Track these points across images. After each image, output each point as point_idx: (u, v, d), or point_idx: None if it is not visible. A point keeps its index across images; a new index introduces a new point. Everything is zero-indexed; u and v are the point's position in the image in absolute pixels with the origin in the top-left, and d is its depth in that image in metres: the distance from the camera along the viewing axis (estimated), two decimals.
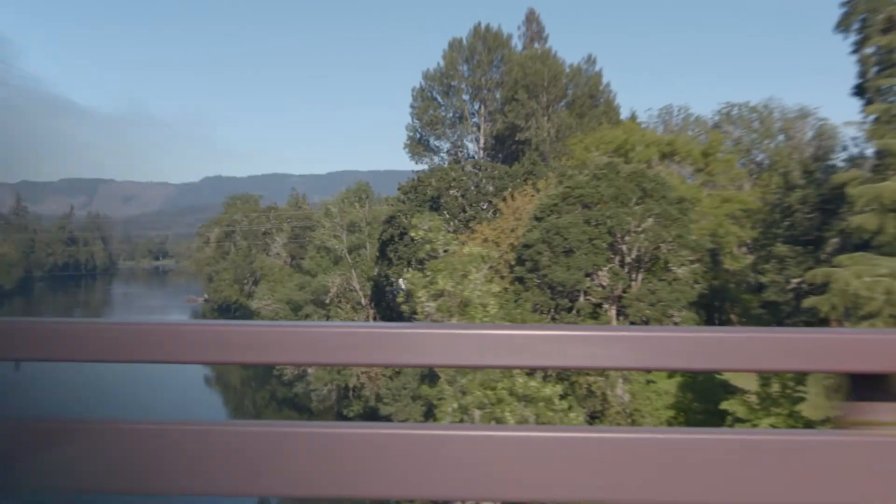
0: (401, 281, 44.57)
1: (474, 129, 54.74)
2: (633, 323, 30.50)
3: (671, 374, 29.34)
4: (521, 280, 31.17)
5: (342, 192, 48.76)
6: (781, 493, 1.22)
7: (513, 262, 32.28)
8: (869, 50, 28.04)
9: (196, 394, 54.52)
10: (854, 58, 29.32)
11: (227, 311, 79.58)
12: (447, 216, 41.89)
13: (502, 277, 31.50)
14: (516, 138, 50.89)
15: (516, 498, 1.26)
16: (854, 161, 29.73)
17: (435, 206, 43.31)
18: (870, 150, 29.23)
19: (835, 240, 25.12)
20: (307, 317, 47.95)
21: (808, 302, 19.98)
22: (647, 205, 31.09)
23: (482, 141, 54.85)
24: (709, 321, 36.02)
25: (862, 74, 28.77)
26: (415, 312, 25.77)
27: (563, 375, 26.21)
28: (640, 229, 30.93)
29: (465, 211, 43.81)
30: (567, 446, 1.23)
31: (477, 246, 29.90)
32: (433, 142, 54.35)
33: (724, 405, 24.54)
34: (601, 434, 1.27)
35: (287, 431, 1.27)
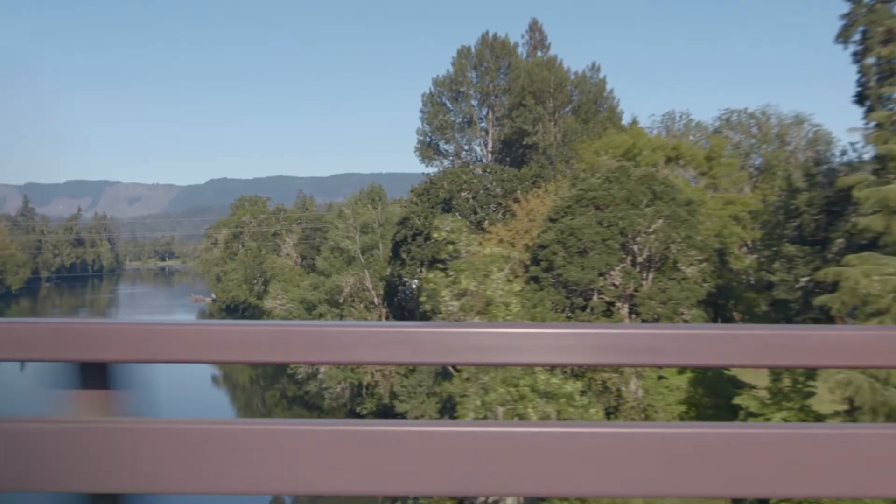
0: (414, 281, 45.87)
1: (482, 133, 56.02)
2: (644, 321, 31.70)
3: (682, 369, 30.57)
4: (535, 279, 32.31)
5: (355, 194, 49.98)
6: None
7: (527, 262, 33.46)
8: (870, 60, 29.38)
9: (203, 393, 55.41)
10: (853, 67, 30.78)
11: (236, 310, 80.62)
12: (459, 218, 43.04)
13: (517, 277, 32.64)
14: (523, 142, 52.17)
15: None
16: (852, 165, 30.97)
17: (447, 207, 44.36)
18: (867, 155, 30.66)
19: (840, 240, 26.40)
20: (321, 316, 48.95)
21: (819, 300, 21.19)
22: (658, 207, 32.32)
23: (490, 145, 56.12)
24: (716, 319, 37.33)
25: (861, 83, 30.15)
26: (437, 311, 26.77)
27: (577, 372, 27.05)
28: (650, 230, 32.13)
29: (475, 213, 44.94)
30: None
31: (492, 246, 31.00)
32: (442, 145, 55.66)
33: (737, 400, 25.67)
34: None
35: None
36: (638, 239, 32.41)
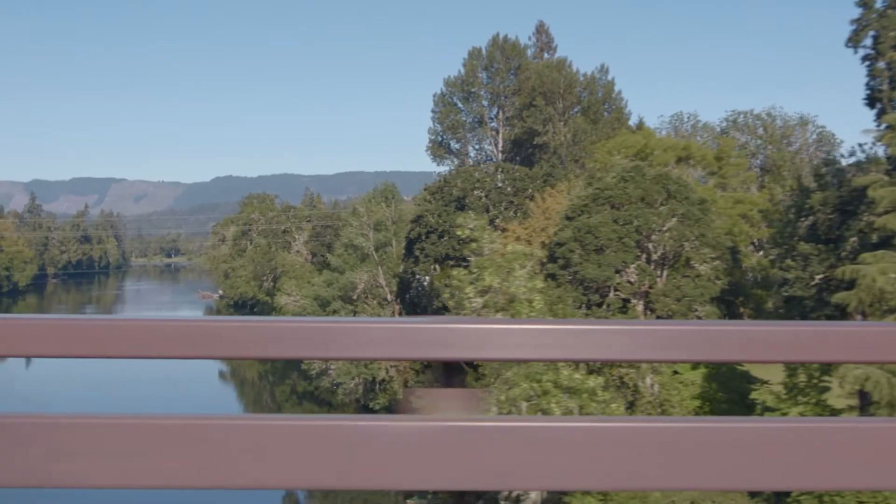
0: (426, 277, 46.64)
1: (493, 133, 56.83)
2: (659, 317, 32.46)
3: (695, 365, 31.27)
4: (553, 276, 33.06)
5: (368, 192, 50.77)
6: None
7: (544, 260, 34.19)
8: (881, 64, 30.19)
9: (212, 389, 55.96)
10: (859, 70, 31.67)
11: (244, 306, 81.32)
12: (472, 216, 43.77)
13: (536, 274, 33.38)
14: (533, 142, 52.95)
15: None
16: (861, 166, 31.72)
17: (460, 206, 45.04)
18: (876, 155, 31.46)
19: (854, 238, 27.21)
20: (335, 312, 49.62)
21: (837, 297, 21.95)
22: (672, 205, 33.10)
23: (500, 144, 56.92)
24: (728, 315, 38.15)
25: (872, 86, 30.97)
26: (461, 307, 27.42)
27: (593, 368, 27.63)
28: (665, 228, 32.91)
29: (488, 211, 45.65)
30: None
31: (513, 244, 31.68)
32: (453, 145, 56.48)
33: (753, 395, 26.38)
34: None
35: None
36: (653, 237, 33.18)
